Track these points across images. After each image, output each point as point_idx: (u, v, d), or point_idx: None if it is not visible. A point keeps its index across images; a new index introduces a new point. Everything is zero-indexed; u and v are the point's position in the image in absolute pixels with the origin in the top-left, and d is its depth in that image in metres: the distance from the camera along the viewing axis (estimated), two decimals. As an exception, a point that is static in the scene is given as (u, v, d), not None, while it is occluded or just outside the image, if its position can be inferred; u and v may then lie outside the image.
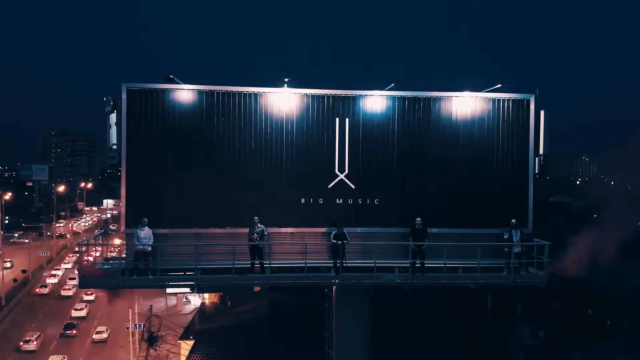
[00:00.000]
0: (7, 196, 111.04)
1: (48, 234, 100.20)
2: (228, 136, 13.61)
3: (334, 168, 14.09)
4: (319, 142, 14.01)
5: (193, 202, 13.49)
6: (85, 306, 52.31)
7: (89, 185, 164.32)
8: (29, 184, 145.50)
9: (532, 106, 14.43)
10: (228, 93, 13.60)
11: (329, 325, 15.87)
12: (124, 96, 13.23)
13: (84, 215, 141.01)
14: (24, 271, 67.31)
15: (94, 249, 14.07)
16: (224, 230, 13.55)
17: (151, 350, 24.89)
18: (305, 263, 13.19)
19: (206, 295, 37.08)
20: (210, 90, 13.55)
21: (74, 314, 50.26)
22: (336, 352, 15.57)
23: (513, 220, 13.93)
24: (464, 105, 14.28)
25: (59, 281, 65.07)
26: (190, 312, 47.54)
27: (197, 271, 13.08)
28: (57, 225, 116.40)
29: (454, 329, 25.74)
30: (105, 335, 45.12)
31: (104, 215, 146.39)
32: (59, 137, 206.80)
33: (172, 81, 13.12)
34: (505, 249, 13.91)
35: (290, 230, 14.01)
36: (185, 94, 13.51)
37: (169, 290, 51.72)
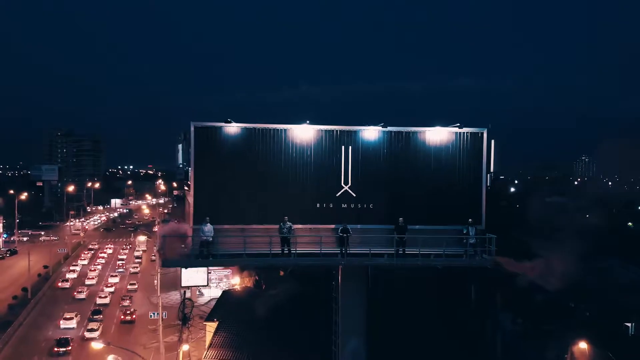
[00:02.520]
0: (23, 196, 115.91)
1: (71, 232, 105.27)
2: (265, 159, 19.01)
3: (341, 181, 19.45)
4: (329, 163, 19.37)
5: (240, 206, 18.85)
6: (109, 294, 58.64)
7: (97, 185, 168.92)
8: (39, 183, 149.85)
9: (485, 137, 19.81)
10: (265, 129, 19.02)
11: (336, 298, 21.31)
12: (192, 129, 18.61)
13: (88, 215, 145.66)
14: (45, 267, 72.74)
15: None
16: (262, 226, 18.88)
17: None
18: (320, 250, 18.58)
19: (237, 280, 42.58)
20: (253, 127, 18.96)
21: (99, 301, 56.38)
22: (342, 318, 20.97)
23: (470, 220, 19.28)
24: (435, 136, 19.67)
25: (78, 276, 70.49)
26: (204, 304, 53.52)
27: (244, 255, 18.46)
28: (69, 224, 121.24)
29: (440, 311, 31.01)
30: (136, 286, 60.37)
31: (113, 214, 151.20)
32: (65, 138, 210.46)
33: (228, 122, 18.50)
34: (464, 241, 19.30)
35: (308, 226, 19.30)
36: (234, 129, 18.90)
37: (184, 283, 57.38)
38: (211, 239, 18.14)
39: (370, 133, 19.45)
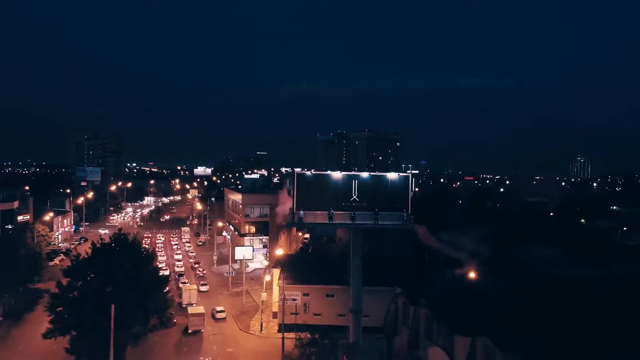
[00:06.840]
0: (90, 195, 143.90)
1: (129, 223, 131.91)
2: (323, 185, 47.56)
3: (352, 194, 47.93)
4: (347, 186, 47.62)
5: (314, 202, 47.23)
6: (182, 265, 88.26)
7: (129, 184, 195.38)
8: (83, 183, 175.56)
9: (410, 175, 48.58)
10: (322, 173, 47.69)
11: (348, 246, 50.28)
12: (295, 173, 47.22)
13: (122, 210, 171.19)
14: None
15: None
16: (321, 212, 47.21)
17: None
18: (344, 222, 47.31)
19: (280, 250, 72.40)
20: (318, 172, 47.68)
21: (177, 269, 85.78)
22: (352, 250, 49.84)
23: (404, 209, 47.94)
24: (391, 176, 48.40)
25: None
26: (251, 272, 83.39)
27: (315, 224, 47.26)
28: (112, 217, 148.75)
29: (406, 265, 59.91)
30: (195, 253, 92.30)
31: (147, 209, 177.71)
32: (91, 140, 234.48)
33: (310, 170, 47.09)
34: (402, 218, 47.99)
35: (340, 212, 47.81)
36: (310, 173, 47.56)
37: (236, 257, 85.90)
38: (302, 217, 46.71)
39: (365, 175, 48.19)
